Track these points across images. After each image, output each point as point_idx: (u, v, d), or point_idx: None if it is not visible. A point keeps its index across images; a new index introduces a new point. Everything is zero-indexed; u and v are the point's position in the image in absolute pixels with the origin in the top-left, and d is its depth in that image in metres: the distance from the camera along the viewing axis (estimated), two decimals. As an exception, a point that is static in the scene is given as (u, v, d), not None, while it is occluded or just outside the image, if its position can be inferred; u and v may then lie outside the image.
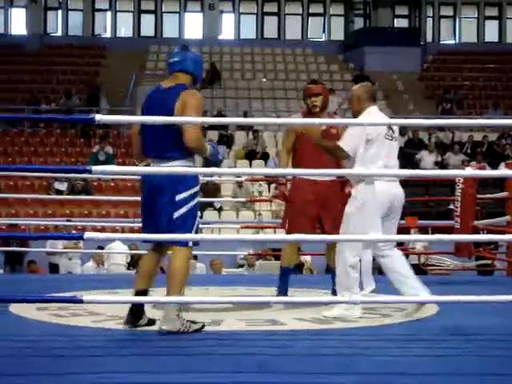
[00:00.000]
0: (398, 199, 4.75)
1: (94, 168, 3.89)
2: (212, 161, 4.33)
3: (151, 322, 4.29)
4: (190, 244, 4.16)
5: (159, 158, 4.15)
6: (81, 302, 3.80)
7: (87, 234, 3.84)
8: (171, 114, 4.04)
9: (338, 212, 4.99)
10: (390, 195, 4.67)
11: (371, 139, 4.65)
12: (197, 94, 4.17)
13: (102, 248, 10.92)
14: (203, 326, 4.22)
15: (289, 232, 5.33)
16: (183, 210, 4.11)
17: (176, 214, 4.10)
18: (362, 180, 4.66)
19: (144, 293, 4.24)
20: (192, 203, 4.14)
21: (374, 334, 4.27)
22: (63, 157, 17.32)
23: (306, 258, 10.76)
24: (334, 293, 5.22)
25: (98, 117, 3.83)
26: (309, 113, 5.42)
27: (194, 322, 4.18)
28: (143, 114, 4.25)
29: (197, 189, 4.17)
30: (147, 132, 4.19)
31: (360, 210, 4.63)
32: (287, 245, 5.48)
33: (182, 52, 4.27)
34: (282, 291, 5.39)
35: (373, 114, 4.75)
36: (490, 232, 7.50)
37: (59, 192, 14.92)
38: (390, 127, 4.75)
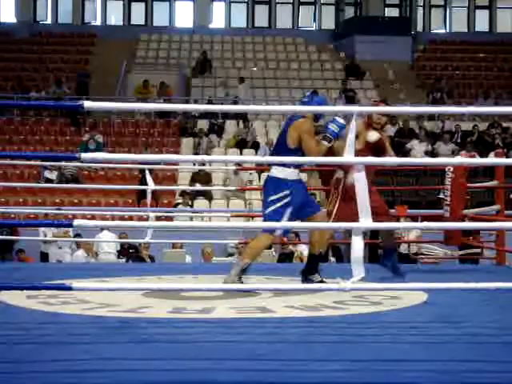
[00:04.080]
0: None
1: (84, 155, 3.86)
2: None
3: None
4: (277, 233, 5.42)
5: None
6: (70, 289, 3.78)
7: (77, 222, 3.78)
8: (286, 134, 5.42)
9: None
10: None
11: None
12: (307, 121, 5.38)
13: (79, 236, 11.07)
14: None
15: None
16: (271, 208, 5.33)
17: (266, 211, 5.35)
18: None
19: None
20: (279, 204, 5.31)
21: (364, 322, 4.28)
22: (53, 145, 17.24)
23: (301, 248, 10.76)
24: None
25: (87, 103, 3.80)
26: (370, 125, 5.94)
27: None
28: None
29: (287, 192, 5.29)
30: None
31: None
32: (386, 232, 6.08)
33: (311, 95, 5.57)
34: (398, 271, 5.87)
35: None
36: (476, 221, 7.54)
37: (49, 181, 14.87)
38: None
